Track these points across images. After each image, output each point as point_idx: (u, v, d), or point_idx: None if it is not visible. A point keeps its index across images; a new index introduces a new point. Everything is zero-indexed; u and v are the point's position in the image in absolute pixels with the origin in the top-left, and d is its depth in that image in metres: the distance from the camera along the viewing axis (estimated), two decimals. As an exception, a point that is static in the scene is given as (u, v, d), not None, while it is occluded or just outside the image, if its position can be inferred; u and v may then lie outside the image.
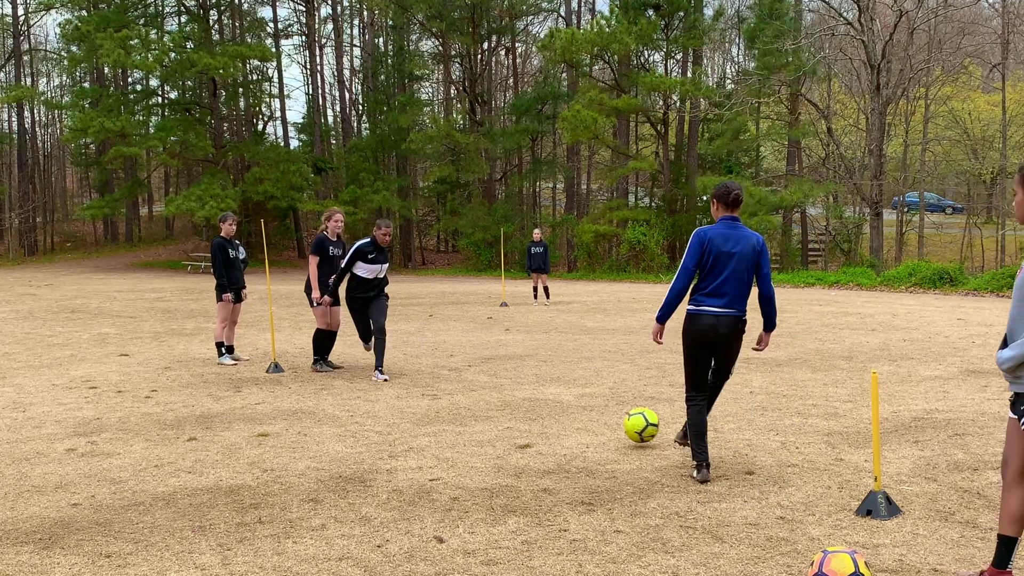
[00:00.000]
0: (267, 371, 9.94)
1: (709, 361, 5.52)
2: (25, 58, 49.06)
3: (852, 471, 5.67)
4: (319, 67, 47.56)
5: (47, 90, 53.64)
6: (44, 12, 44.34)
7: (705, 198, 34.41)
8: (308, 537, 4.58)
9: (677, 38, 35.62)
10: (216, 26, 44.03)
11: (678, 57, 38.40)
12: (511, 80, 45.50)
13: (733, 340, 5.45)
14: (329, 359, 10.17)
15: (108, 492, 5.38)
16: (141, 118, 41.96)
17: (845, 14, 32.00)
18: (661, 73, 37.14)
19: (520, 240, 36.73)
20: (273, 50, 42.06)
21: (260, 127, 48.27)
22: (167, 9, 44.84)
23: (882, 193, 30.30)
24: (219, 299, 10.61)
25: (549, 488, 5.38)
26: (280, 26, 47.45)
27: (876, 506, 4.78)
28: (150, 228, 53.02)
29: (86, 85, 45.43)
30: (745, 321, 5.49)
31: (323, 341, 10.06)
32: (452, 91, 45.73)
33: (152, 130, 41.63)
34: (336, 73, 49.78)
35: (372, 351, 9.82)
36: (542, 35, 40.85)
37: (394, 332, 11.52)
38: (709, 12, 37.99)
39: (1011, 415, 3.74)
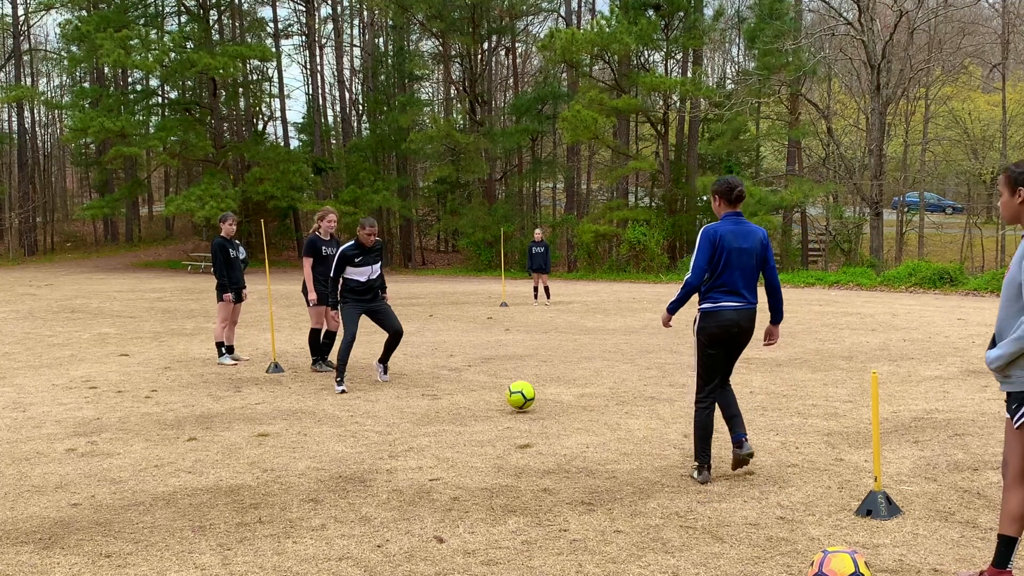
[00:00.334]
0: (267, 371, 9.95)
1: (725, 359, 5.50)
2: (25, 58, 49.06)
3: (852, 471, 5.67)
4: (319, 67, 47.58)
5: (47, 90, 53.67)
6: (44, 12, 44.34)
7: (705, 198, 34.41)
8: (308, 537, 4.58)
9: (677, 38, 35.62)
10: (216, 26, 44.04)
11: (678, 57, 38.40)
12: (511, 80, 45.50)
13: (751, 332, 5.45)
14: (329, 359, 10.17)
15: (108, 492, 5.38)
16: (141, 118, 41.97)
17: (845, 14, 31.99)
18: (661, 73, 37.14)
19: (520, 240, 36.72)
20: (273, 50, 42.05)
21: (260, 127, 48.28)
22: (167, 9, 44.85)
23: (882, 193, 30.29)
24: (220, 299, 10.61)
25: (549, 488, 5.38)
26: (280, 26, 47.50)
27: (876, 506, 4.78)
28: (150, 228, 53.02)
29: (86, 85, 45.43)
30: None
31: (321, 341, 10.06)
32: (452, 91, 45.73)
33: (152, 130, 41.63)
34: (336, 73, 49.82)
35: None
36: (542, 35, 40.88)
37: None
38: (709, 12, 38.02)
39: (1006, 415, 3.75)
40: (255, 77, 48.26)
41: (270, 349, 11.20)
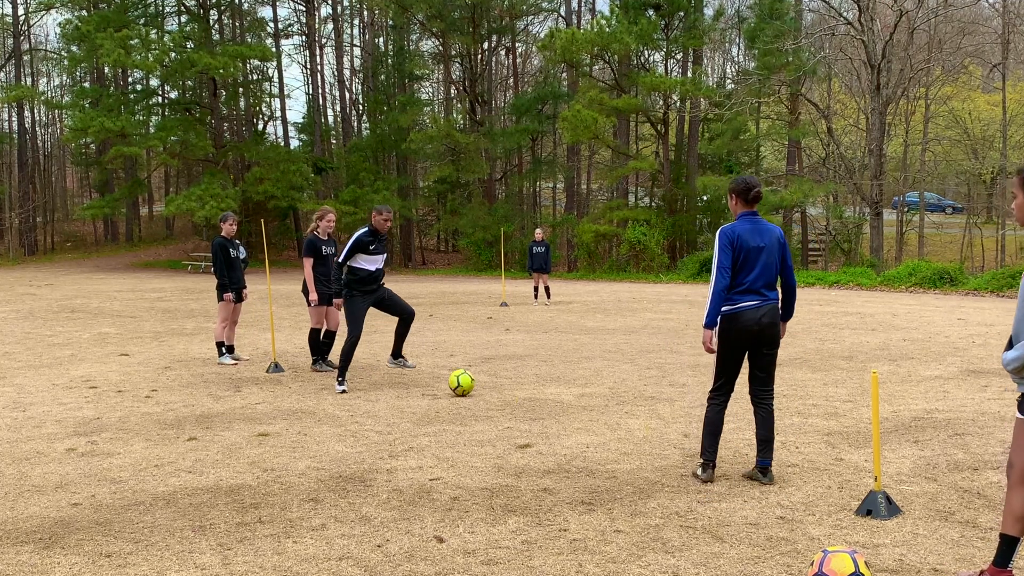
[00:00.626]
0: (267, 371, 9.95)
1: (751, 356, 5.45)
2: (25, 58, 49.05)
3: (852, 471, 5.67)
4: (319, 67, 47.57)
5: (47, 90, 53.64)
6: (44, 12, 44.35)
7: (706, 198, 34.44)
8: (308, 537, 4.58)
9: (677, 38, 35.62)
10: (216, 26, 44.04)
11: (678, 57, 38.40)
12: (511, 80, 45.49)
13: (775, 327, 5.41)
14: (329, 359, 10.17)
15: (108, 492, 5.38)
16: (141, 118, 41.96)
17: (845, 14, 31.99)
18: (661, 73, 37.14)
19: (520, 240, 36.72)
20: (273, 50, 42.05)
21: (260, 127, 48.27)
22: (167, 9, 44.84)
23: (882, 193, 30.29)
24: (220, 299, 10.61)
25: (549, 488, 5.38)
26: (280, 26, 47.46)
27: (876, 506, 4.78)
28: (150, 228, 53.01)
29: (86, 85, 45.43)
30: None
31: (321, 341, 10.06)
32: (452, 91, 45.73)
33: (152, 130, 41.63)
34: (336, 73, 49.83)
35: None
36: (542, 35, 40.88)
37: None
38: (709, 12, 38.02)
39: (1018, 415, 3.74)
40: (255, 77, 48.26)
41: (270, 349, 11.20)
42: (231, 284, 10.57)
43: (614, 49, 33.35)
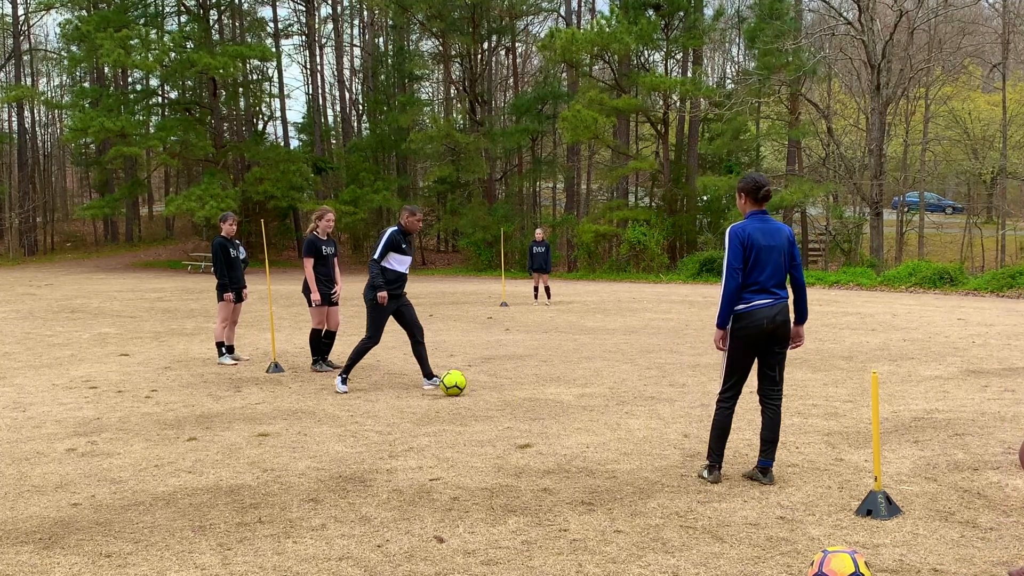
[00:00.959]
0: (267, 371, 9.94)
1: (762, 356, 5.42)
2: (25, 58, 49.05)
3: (852, 471, 5.67)
4: (319, 67, 47.59)
5: (47, 90, 53.65)
6: (44, 12, 44.33)
7: (706, 198, 34.45)
8: (308, 537, 4.58)
9: (677, 38, 35.63)
10: (216, 26, 44.04)
11: (678, 57, 38.40)
12: (511, 80, 45.50)
13: (788, 326, 5.40)
14: (329, 359, 10.17)
15: (108, 492, 5.38)
16: (141, 118, 41.96)
17: (845, 14, 32.00)
18: (661, 73, 37.14)
19: (520, 240, 36.72)
20: (273, 50, 42.05)
21: (260, 127, 48.28)
22: (167, 9, 44.84)
23: (882, 193, 30.29)
24: (220, 299, 10.61)
25: (549, 488, 5.38)
26: (280, 26, 47.48)
27: (876, 506, 4.78)
28: (150, 228, 53.01)
29: (86, 85, 45.43)
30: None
31: (322, 341, 10.06)
32: (452, 91, 45.73)
33: (152, 130, 41.65)
34: (336, 73, 49.84)
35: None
36: (542, 35, 40.87)
37: (394, 332, 11.51)
38: (709, 12, 38.03)
39: None
40: (255, 77, 48.27)
41: (270, 349, 11.20)
42: (231, 284, 10.57)
43: (614, 49, 33.35)
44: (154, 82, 44.30)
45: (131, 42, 35.64)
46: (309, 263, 9.81)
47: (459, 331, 14.11)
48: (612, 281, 30.19)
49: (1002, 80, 31.45)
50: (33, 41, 52.11)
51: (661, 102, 35.87)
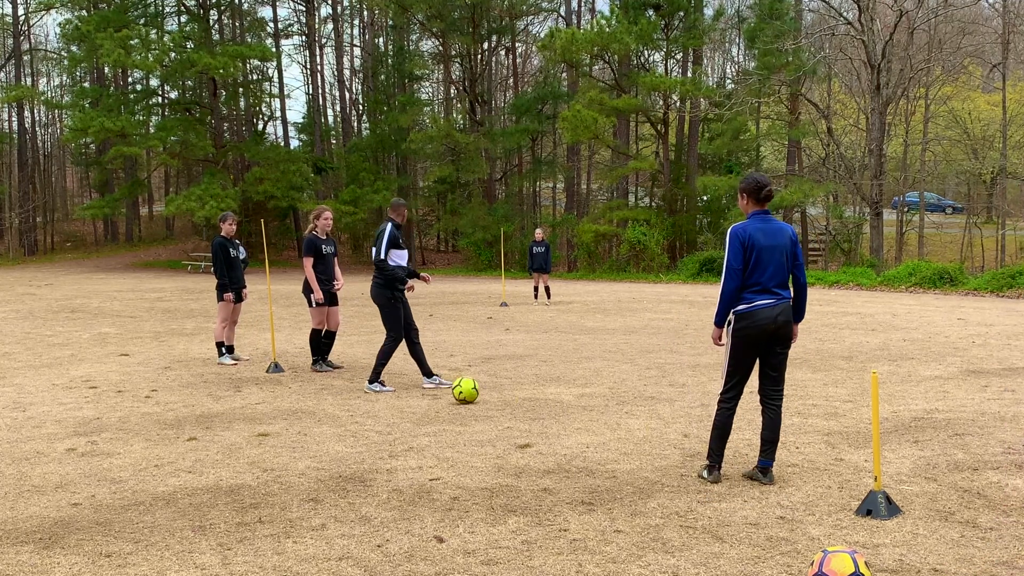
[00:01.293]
0: (267, 371, 9.95)
1: (763, 356, 5.42)
2: (25, 58, 49.05)
3: (852, 471, 5.67)
4: (319, 67, 47.58)
5: (47, 90, 53.65)
6: (44, 12, 44.34)
7: (706, 198, 34.45)
8: (308, 537, 4.58)
9: (677, 38, 35.63)
10: (216, 26, 44.04)
11: (678, 57, 38.41)
12: (511, 80, 45.51)
13: (790, 326, 5.39)
14: (329, 359, 10.17)
15: (108, 492, 5.38)
16: (141, 118, 41.97)
17: (845, 14, 32.00)
18: (661, 73, 37.14)
19: (520, 240, 36.72)
20: (273, 50, 42.05)
21: (260, 127, 48.28)
22: (167, 9, 44.84)
23: (882, 193, 30.29)
24: (220, 299, 10.61)
25: (549, 488, 5.38)
26: (280, 26, 47.49)
27: (876, 506, 4.78)
28: (150, 228, 53.02)
29: (86, 85, 45.42)
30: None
31: (322, 341, 10.06)
32: (452, 91, 45.73)
33: (152, 130, 41.64)
34: (336, 73, 49.84)
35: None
36: (542, 35, 40.87)
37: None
38: (709, 12, 38.03)
39: None
40: (255, 77, 48.27)
41: (270, 349, 11.20)
42: (231, 284, 10.57)
43: (614, 49, 33.35)
44: (154, 82, 44.31)
45: (131, 42, 35.64)
46: (308, 262, 9.82)
47: (459, 331, 14.11)
48: (612, 281, 30.19)
49: (1002, 80, 31.45)
50: (33, 41, 52.12)
51: (661, 102, 35.87)
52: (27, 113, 49.16)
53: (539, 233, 19.99)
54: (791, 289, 5.47)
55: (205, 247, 41.05)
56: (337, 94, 51.65)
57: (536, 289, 20.00)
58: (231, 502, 5.16)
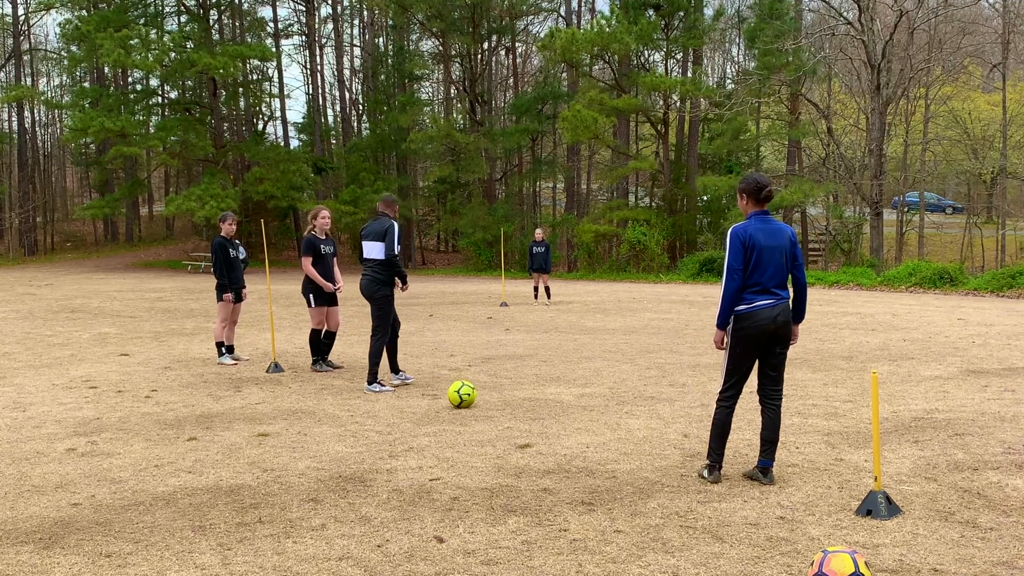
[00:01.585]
0: (267, 371, 9.94)
1: (762, 356, 5.42)
2: (25, 58, 49.05)
3: (852, 471, 5.67)
4: (319, 67, 47.58)
5: (47, 90, 53.66)
6: (44, 12, 44.34)
7: (706, 198, 34.45)
8: (308, 537, 4.58)
9: (677, 38, 35.63)
10: (216, 26, 44.04)
11: (678, 57, 38.41)
12: (511, 80, 45.51)
13: (789, 326, 5.40)
14: (329, 359, 10.17)
15: (108, 492, 5.38)
16: (141, 118, 41.97)
17: (845, 14, 32.00)
18: (661, 73, 37.15)
19: (520, 240, 36.73)
20: (273, 50, 42.06)
21: (260, 127, 48.30)
22: (167, 9, 44.86)
23: (882, 193, 30.29)
24: (220, 299, 10.61)
25: (549, 488, 5.38)
26: (280, 26, 47.48)
27: (876, 506, 4.78)
28: (150, 228, 53.03)
29: (86, 85, 45.44)
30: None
31: (322, 341, 10.06)
32: (452, 91, 45.74)
33: (152, 130, 41.65)
34: (336, 73, 49.85)
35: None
36: (542, 35, 40.88)
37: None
38: (709, 12, 38.04)
39: None
40: (255, 77, 48.28)
41: (270, 349, 11.20)
42: (231, 284, 10.57)
43: (614, 49, 33.36)
44: (154, 82, 44.31)
45: (131, 42, 35.65)
46: (307, 261, 9.82)
47: (459, 331, 14.11)
48: (612, 281, 30.19)
49: (1002, 80, 31.45)
50: (33, 41, 52.12)
51: (661, 102, 35.88)
52: (27, 113, 49.18)
53: (539, 233, 19.99)
54: (790, 290, 5.48)
55: (205, 247, 41.05)
56: (337, 94, 51.72)
57: (536, 289, 20.00)
58: (231, 502, 5.16)
